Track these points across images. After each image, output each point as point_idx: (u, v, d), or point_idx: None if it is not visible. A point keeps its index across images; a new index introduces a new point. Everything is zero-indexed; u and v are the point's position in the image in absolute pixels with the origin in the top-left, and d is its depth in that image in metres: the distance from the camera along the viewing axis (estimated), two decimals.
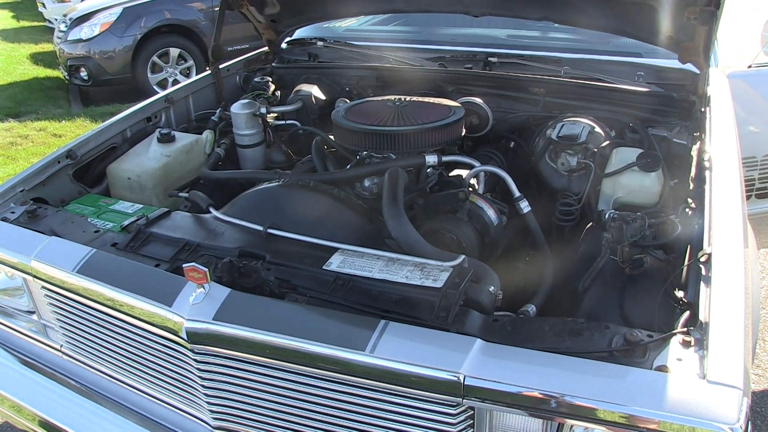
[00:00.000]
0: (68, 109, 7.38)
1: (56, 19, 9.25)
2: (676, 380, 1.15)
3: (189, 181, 2.39)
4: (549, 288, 1.80)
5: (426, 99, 2.36)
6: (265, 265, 1.62)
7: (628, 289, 1.71)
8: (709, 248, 1.47)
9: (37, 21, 12.68)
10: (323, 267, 1.58)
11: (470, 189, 2.03)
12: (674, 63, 2.47)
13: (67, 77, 7.71)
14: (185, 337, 1.46)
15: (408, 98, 2.34)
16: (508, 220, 2.06)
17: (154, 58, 7.59)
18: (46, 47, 10.39)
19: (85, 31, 7.36)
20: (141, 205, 2.20)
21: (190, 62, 7.83)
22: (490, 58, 2.69)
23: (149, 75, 7.61)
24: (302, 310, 1.43)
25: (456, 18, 2.70)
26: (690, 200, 1.86)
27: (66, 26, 7.59)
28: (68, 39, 7.46)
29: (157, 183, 2.35)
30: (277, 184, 1.93)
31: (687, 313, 1.38)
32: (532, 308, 1.66)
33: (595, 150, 2.18)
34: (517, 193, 1.97)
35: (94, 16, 7.39)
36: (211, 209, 1.87)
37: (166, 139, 2.45)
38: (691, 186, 1.96)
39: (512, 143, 2.54)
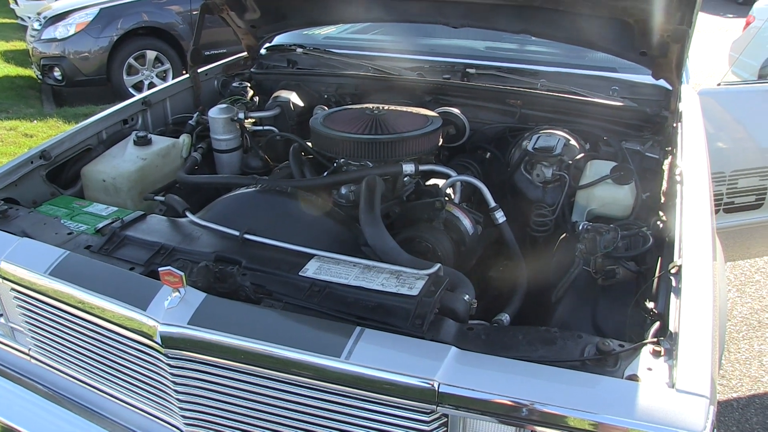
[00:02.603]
0: (40, 109, 7.27)
1: (29, 17, 9.12)
2: (645, 389, 1.17)
3: (165, 184, 2.37)
4: (522, 297, 1.82)
5: (404, 108, 2.38)
6: (240, 270, 1.61)
7: (601, 299, 1.74)
8: (679, 260, 1.51)
9: (9, 18, 12.47)
10: (299, 273, 1.58)
11: (446, 198, 2.04)
12: (648, 79, 2.53)
13: (40, 77, 7.60)
14: (159, 342, 1.45)
15: (386, 107, 2.35)
16: (484, 229, 2.09)
17: (131, 60, 7.52)
18: (18, 45, 10.22)
19: (60, 30, 7.27)
20: (116, 208, 2.18)
21: (167, 65, 7.77)
22: (468, 69, 2.72)
23: (125, 77, 7.53)
24: (278, 316, 1.43)
25: (435, 29, 2.73)
26: (661, 213, 1.90)
27: (40, 25, 7.48)
28: (42, 38, 7.36)
29: (133, 186, 2.33)
30: (254, 189, 1.92)
31: (657, 324, 1.41)
32: (506, 317, 1.68)
33: (570, 162, 2.22)
34: (492, 203, 1.99)
35: (70, 15, 7.30)
36: (188, 213, 1.86)
37: (143, 142, 2.43)
38: (663, 199, 2.00)
39: (488, 154, 2.57)
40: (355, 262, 1.61)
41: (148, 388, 1.60)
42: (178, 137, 2.58)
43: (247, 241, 1.72)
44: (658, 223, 1.85)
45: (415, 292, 1.47)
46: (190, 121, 2.72)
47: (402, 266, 1.61)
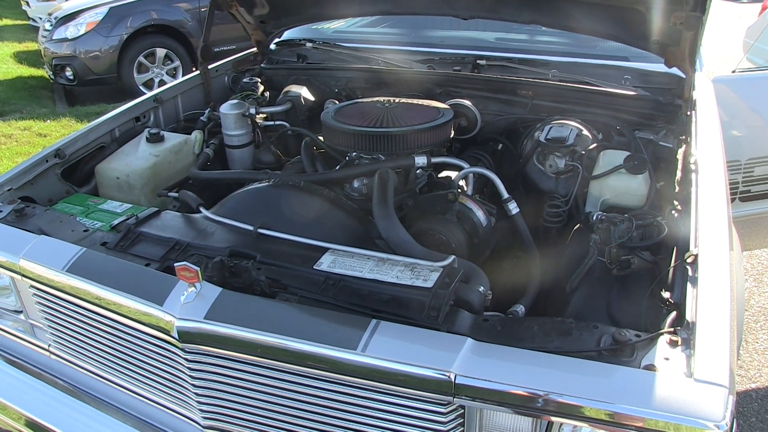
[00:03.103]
0: (53, 108, 7.31)
1: (41, 18, 9.18)
2: (663, 379, 1.17)
3: (178, 180, 2.39)
4: (537, 289, 1.82)
5: (415, 101, 2.37)
6: (255, 264, 1.62)
7: (616, 289, 1.73)
8: (695, 249, 1.50)
9: (21, 19, 12.55)
10: (314, 267, 1.58)
11: (459, 190, 2.04)
12: (660, 67, 2.51)
13: (53, 76, 7.65)
14: (176, 337, 1.46)
15: (397, 100, 2.35)
16: (497, 221, 2.08)
17: (141, 58, 7.55)
18: (30, 46, 10.28)
19: (71, 30, 7.31)
20: (130, 205, 2.20)
21: (177, 63, 7.80)
22: (478, 61, 2.71)
23: (135, 75, 7.57)
24: (293, 310, 1.44)
25: (444, 21, 2.72)
26: (676, 202, 1.89)
27: (51, 25, 7.53)
28: (53, 38, 7.40)
29: (146, 183, 2.35)
30: (267, 184, 1.93)
31: (674, 314, 1.40)
32: (521, 308, 1.68)
33: (583, 152, 2.21)
34: (505, 195, 1.98)
35: (80, 15, 7.34)
36: (202, 209, 1.87)
37: (155, 138, 2.45)
38: (677, 188, 1.99)
39: (500, 145, 2.56)
40: (369, 255, 1.61)
41: (166, 382, 1.62)
42: (189, 134, 2.59)
43: (261, 235, 1.72)
44: (673, 212, 1.83)
45: (429, 284, 1.47)
46: (201, 118, 2.73)
47: (416, 258, 1.61)
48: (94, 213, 2.16)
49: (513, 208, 1.99)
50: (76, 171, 2.42)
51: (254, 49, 3.24)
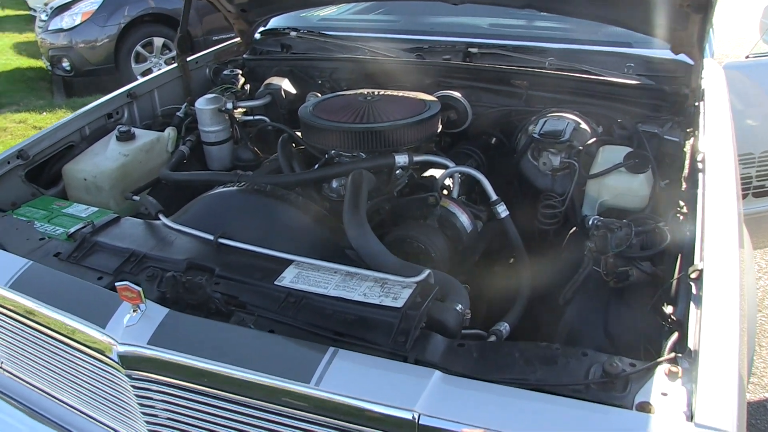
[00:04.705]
0: (50, 100, 7.20)
1: (38, 8, 9.03)
2: (659, 422, 1.01)
3: (148, 182, 2.24)
4: (525, 303, 1.66)
5: (400, 93, 2.21)
6: (213, 279, 1.48)
7: (613, 303, 1.58)
8: (700, 263, 1.33)
9: (22, 9, 12.42)
10: (275, 282, 1.44)
11: (443, 192, 1.88)
12: (666, 53, 2.32)
13: (50, 68, 7.52)
14: (118, 362, 1.31)
15: (380, 92, 2.19)
16: (487, 223, 1.92)
17: (138, 47, 7.39)
18: (30, 37, 10.13)
19: (66, 20, 7.16)
20: (95, 209, 2.06)
21: (175, 52, 7.63)
22: (470, 49, 2.54)
23: (133, 65, 7.41)
24: (246, 334, 1.29)
25: (435, 6, 2.54)
26: (682, 204, 1.73)
27: (47, 15, 7.39)
28: (49, 29, 7.26)
29: (115, 184, 2.20)
30: (231, 188, 1.78)
31: (675, 336, 1.25)
32: (505, 327, 1.52)
33: (581, 148, 2.04)
34: (493, 197, 1.82)
35: (75, 5, 7.18)
36: (161, 216, 1.72)
37: (126, 137, 2.30)
38: (684, 186, 1.82)
39: (494, 139, 2.39)
40: (335, 269, 1.46)
41: (114, 406, 1.48)
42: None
43: (222, 246, 1.58)
44: (678, 215, 1.67)
45: (399, 303, 1.32)
46: (177, 113, 2.59)
47: (389, 272, 1.46)
48: (57, 218, 2.02)
49: (502, 211, 1.82)
50: (43, 172, 2.28)
51: (238, 39, 3.08)
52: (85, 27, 7.11)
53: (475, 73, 2.44)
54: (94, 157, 2.26)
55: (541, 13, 2.38)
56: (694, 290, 1.30)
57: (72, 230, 1.80)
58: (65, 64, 7.28)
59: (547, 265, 1.92)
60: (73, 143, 2.34)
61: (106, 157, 2.24)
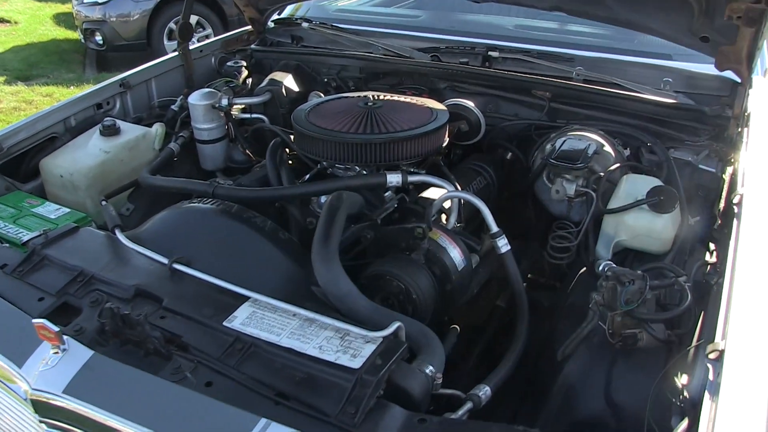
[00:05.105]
0: (81, 74, 7.14)
1: None
2: None
3: (127, 183, 2.07)
4: (516, 360, 1.44)
5: (405, 99, 2.00)
6: (158, 312, 1.31)
7: (619, 365, 1.37)
8: (722, 342, 1.10)
9: None
10: (224, 323, 1.26)
11: (441, 217, 1.68)
12: (710, 68, 2.05)
13: (83, 41, 7.47)
14: (31, 408, 1.15)
15: (384, 97, 1.99)
16: (490, 252, 1.71)
17: (171, 24, 7.27)
18: (70, 8, 10.15)
19: None
20: (67, 210, 1.92)
21: (209, 30, 7.49)
22: (490, 52, 2.30)
23: (165, 42, 7.29)
24: (170, 391, 1.11)
25: (455, 3, 2.31)
26: (711, 252, 1.49)
27: None
28: (85, 1, 7.18)
29: (92, 183, 2.05)
30: (195, 206, 1.60)
31: (685, 423, 1.03)
32: (485, 392, 1.30)
33: (601, 174, 1.80)
34: (494, 228, 1.60)
35: None
36: (117, 232, 1.55)
37: (110, 131, 2.14)
38: (717, 224, 1.59)
39: (509, 154, 2.17)
40: (294, 312, 1.27)
41: None
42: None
43: (176, 271, 1.40)
44: (704, 267, 1.43)
45: (357, 363, 1.13)
46: (172, 106, 2.42)
47: (358, 316, 1.28)
48: (24, 218, 1.88)
49: (502, 245, 1.60)
50: (23, 164, 2.15)
51: (249, 27, 2.89)
52: (119, 1, 7.02)
53: (494, 80, 2.21)
54: (74, 151, 2.11)
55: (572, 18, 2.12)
56: (711, 374, 1.08)
57: (26, 238, 1.66)
58: (98, 37, 7.21)
59: (550, 310, 1.71)
60: (56, 135, 2.20)
61: (85, 153, 2.08)
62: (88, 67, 7.53)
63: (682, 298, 1.32)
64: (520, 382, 1.52)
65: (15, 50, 7.80)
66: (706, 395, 1.05)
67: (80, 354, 1.17)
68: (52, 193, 2.11)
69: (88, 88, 2.38)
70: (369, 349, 1.16)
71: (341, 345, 1.18)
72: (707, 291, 1.45)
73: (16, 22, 9.09)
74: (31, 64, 7.20)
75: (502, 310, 1.90)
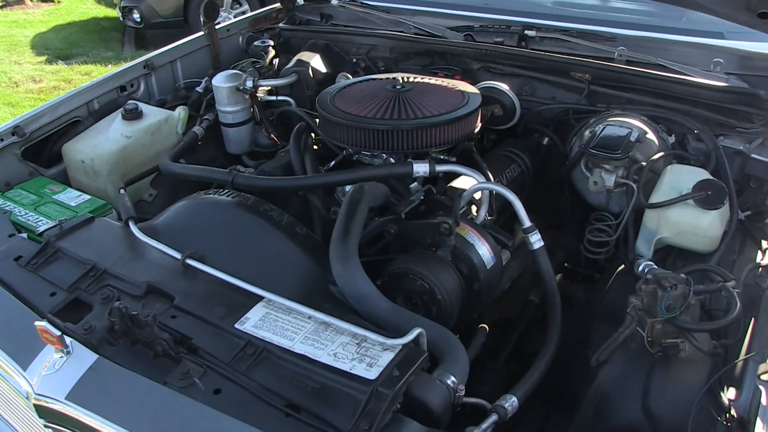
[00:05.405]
0: (119, 52, 7.17)
1: None
2: None
3: (147, 170, 2.03)
4: (546, 366, 1.35)
5: (436, 81, 1.90)
6: (169, 311, 1.26)
7: (658, 374, 1.27)
8: None
9: None
10: (236, 324, 1.20)
11: (471, 208, 1.58)
12: (766, 48, 1.89)
13: (122, 18, 7.49)
14: (35, 412, 1.12)
15: (414, 78, 1.89)
16: (523, 245, 1.61)
17: None
18: None
19: None
20: (88, 197, 1.90)
21: (245, 6, 7.42)
22: (526, 31, 2.16)
23: (202, 19, 7.26)
24: (176, 401, 1.06)
25: None
26: (762, 252, 1.37)
27: None
28: None
29: (114, 169, 2.01)
30: (212, 197, 1.53)
31: None
32: (512, 402, 1.21)
33: (643, 164, 1.68)
34: (526, 223, 1.50)
35: None
36: (130, 224, 1.50)
37: (132, 115, 2.09)
38: None
39: (545, 139, 2.05)
40: (310, 314, 1.20)
41: None
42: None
43: (189, 267, 1.35)
44: (759, 270, 1.32)
45: (373, 374, 1.06)
46: (197, 88, 2.36)
47: (377, 319, 1.20)
48: (45, 205, 1.86)
49: (535, 241, 1.50)
50: (45, 148, 2.12)
51: (278, 4, 2.81)
52: None
53: (530, 61, 2.09)
54: (96, 136, 2.07)
55: None
56: (764, 398, 0.98)
57: (41, 228, 1.63)
58: (135, 15, 7.21)
59: (585, 309, 1.61)
60: (79, 119, 2.16)
61: (107, 138, 2.04)
62: (126, 45, 7.56)
63: (730, 307, 1.21)
64: (549, 386, 1.43)
65: (56, 29, 7.88)
66: (759, 423, 0.96)
67: (85, 358, 1.12)
68: (74, 178, 2.08)
69: (115, 69, 2.33)
70: (387, 358, 1.08)
71: (357, 352, 1.11)
72: (759, 295, 1.33)
73: (59, 2, 9.18)
74: (71, 43, 7.26)
75: (535, 305, 1.81)
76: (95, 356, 1.12)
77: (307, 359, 1.11)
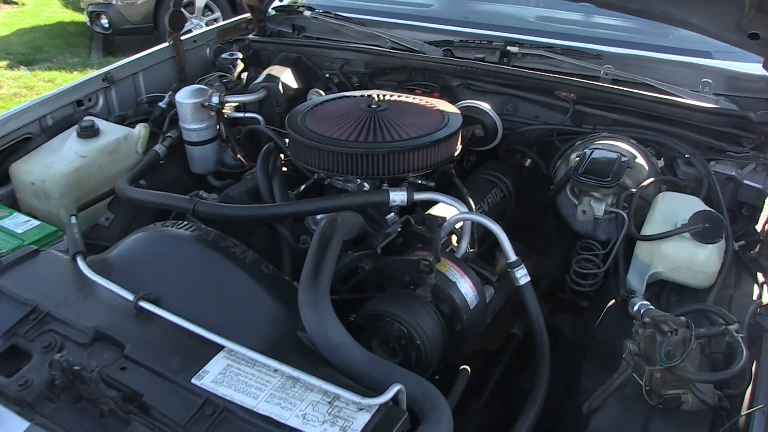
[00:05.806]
0: (86, 58, 6.95)
1: None
2: None
3: (103, 192, 1.88)
4: (536, 415, 1.25)
5: (414, 100, 1.80)
6: (118, 363, 1.12)
7: (655, 424, 1.17)
8: None
9: None
10: (193, 380, 1.07)
11: (444, 243, 1.47)
12: (756, 69, 1.82)
13: (89, 24, 7.28)
14: None
15: (390, 96, 1.79)
16: (506, 275, 1.51)
17: None
18: None
19: None
20: (37, 223, 1.74)
21: (217, 14, 7.27)
22: (509, 47, 2.07)
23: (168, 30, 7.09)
24: None
25: None
26: (758, 285, 1.29)
27: None
28: None
29: (67, 192, 1.86)
30: (167, 230, 1.39)
31: None
32: None
33: (633, 191, 1.59)
34: (512, 258, 1.39)
35: None
36: (78, 260, 1.35)
37: (88, 133, 1.95)
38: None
39: (528, 161, 1.96)
40: (276, 368, 1.08)
41: None
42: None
43: (143, 310, 1.22)
44: (759, 310, 1.23)
45: None
46: (159, 103, 2.22)
47: (350, 371, 1.09)
48: None
49: (521, 276, 1.39)
50: None
51: (248, 14, 2.68)
52: None
53: (512, 79, 1.99)
54: (48, 155, 1.92)
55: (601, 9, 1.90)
56: None
57: None
58: (104, 20, 7.00)
59: (572, 341, 1.51)
60: (30, 135, 2.01)
61: (59, 158, 1.89)
62: (93, 51, 7.34)
63: (734, 352, 1.11)
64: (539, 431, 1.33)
65: (20, 33, 7.63)
66: None
67: (14, 426, 0.98)
68: (23, 201, 1.93)
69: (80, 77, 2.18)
70: (362, 420, 0.97)
71: (329, 413, 0.99)
72: (760, 336, 1.25)
73: (23, 4, 8.91)
74: (35, 48, 7.02)
75: (518, 338, 1.71)
76: (26, 424, 0.99)
77: (273, 422, 0.99)
